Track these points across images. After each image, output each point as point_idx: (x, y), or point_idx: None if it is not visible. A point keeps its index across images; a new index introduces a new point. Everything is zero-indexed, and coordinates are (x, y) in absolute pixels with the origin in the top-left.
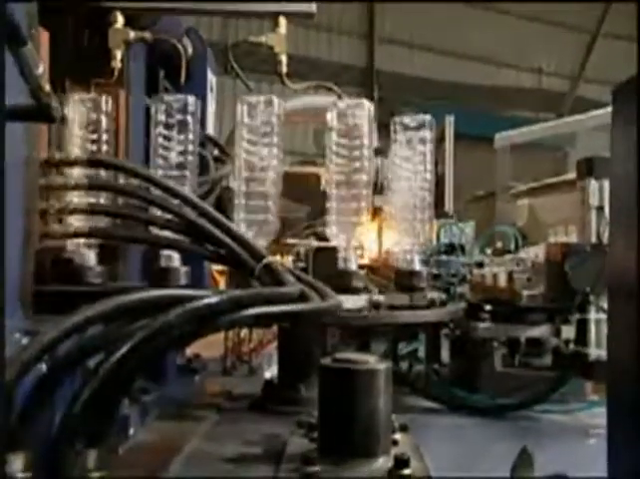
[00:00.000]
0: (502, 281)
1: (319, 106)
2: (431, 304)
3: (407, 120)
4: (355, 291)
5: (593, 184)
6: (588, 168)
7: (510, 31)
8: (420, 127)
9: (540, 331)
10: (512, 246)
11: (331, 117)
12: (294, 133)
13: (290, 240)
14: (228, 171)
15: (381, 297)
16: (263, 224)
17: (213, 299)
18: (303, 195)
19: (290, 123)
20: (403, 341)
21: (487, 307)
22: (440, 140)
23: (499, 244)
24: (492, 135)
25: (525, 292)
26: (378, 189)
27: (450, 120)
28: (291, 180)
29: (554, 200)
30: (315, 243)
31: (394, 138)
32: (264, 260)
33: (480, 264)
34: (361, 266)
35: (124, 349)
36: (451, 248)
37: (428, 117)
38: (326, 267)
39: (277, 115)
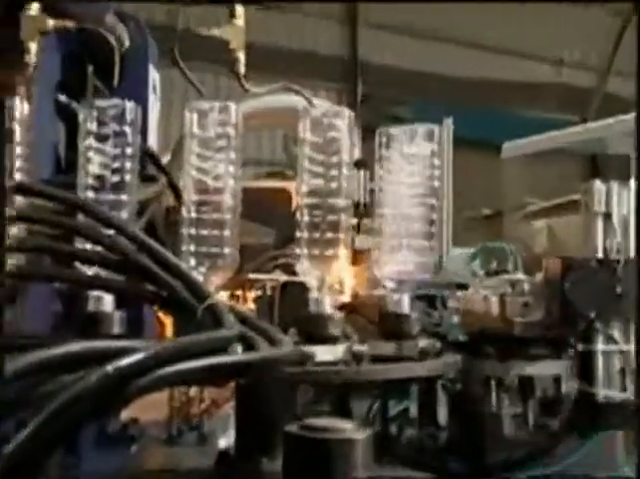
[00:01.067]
0: (494, 307)
1: (287, 107)
2: (423, 355)
3: (396, 132)
4: (331, 340)
5: (598, 185)
6: (592, 167)
7: (526, 14)
8: (413, 139)
9: (544, 368)
10: (510, 267)
11: (303, 127)
12: (260, 137)
13: (252, 275)
14: (158, 190)
15: (363, 347)
16: (218, 257)
17: (134, 359)
18: (269, 215)
19: (253, 128)
20: (390, 399)
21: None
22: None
23: (494, 265)
24: (502, 139)
25: (519, 320)
26: (361, 209)
27: (447, 123)
28: (254, 196)
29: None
30: (282, 278)
31: (379, 154)
32: (208, 301)
33: (462, 286)
34: (340, 306)
35: (32, 427)
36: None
37: (424, 127)
38: (295, 308)
39: (234, 124)
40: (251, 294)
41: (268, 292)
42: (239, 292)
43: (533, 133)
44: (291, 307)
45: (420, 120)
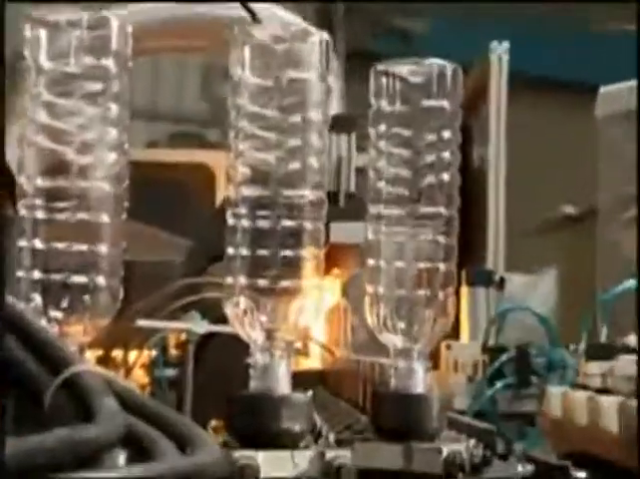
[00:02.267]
0: (610, 421)
1: (210, 19)
2: (452, 470)
3: (404, 70)
4: (289, 440)
5: None
6: None
7: None
8: (428, 82)
9: None
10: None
11: (238, 58)
12: (160, 71)
13: (142, 322)
14: None
15: (344, 454)
16: (83, 292)
17: None
18: (176, 213)
19: (148, 54)
20: None
21: (580, 475)
22: (474, 95)
23: (604, 331)
24: (593, 81)
25: None
26: (340, 204)
27: (500, 50)
28: (152, 180)
29: None
30: (200, 328)
31: (375, 106)
32: (67, 372)
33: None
34: (303, 374)
35: None
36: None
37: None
38: (224, 382)
39: (116, 50)
40: (142, 357)
41: (173, 353)
42: (119, 353)
43: None
44: (216, 380)
45: (444, 40)
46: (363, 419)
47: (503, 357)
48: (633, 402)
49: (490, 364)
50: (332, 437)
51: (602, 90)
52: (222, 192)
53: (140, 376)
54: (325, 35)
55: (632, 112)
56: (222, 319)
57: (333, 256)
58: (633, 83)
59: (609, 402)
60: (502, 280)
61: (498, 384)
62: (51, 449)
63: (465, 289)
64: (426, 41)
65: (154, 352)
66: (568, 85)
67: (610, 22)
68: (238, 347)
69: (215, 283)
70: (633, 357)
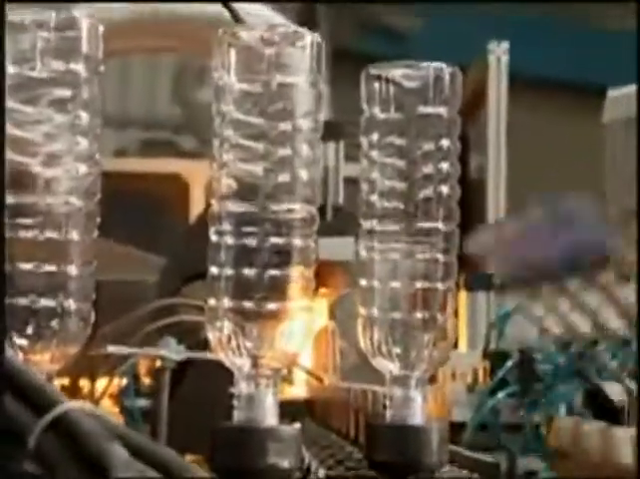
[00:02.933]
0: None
1: (184, 18)
2: None
3: (398, 74)
4: (275, 477)
5: None
6: None
7: None
8: (424, 86)
9: None
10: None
11: (223, 60)
12: (129, 75)
13: (111, 349)
14: None
15: None
16: (50, 317)
17: None
18: (149, 228)
19: (119, 54)
20: None
21: None
22: (472, 100)
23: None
24: (601, 81)
25: None
26: (328, 218)
27: (499, 49)
28: (120, 191)
29: None
30: (176, 355)
31: (367, 113)
32: (54, 411)
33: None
34: (288, 403)
35: None
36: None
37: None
38: (203, 414)
39: (87, 55)
40: (111, 386)
41: (145, 381)
42: (84, 381)
43: None
44: (193, 411)
45: (438, 40)
46: (355, 453)
47: (509, 364)
48: None
49: (492, 371)
50: (322, 473)
51: (610, 94)
52: (197, 205)
53: (108, 407)
54: (317, 37)
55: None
56: (200, 345)
57: (319, 275)
58: None
59: (623, 435)
60: (503, 285)
61: (500, 394)
62: None
63: (463, 295)
64: (417, 41)
65: (123, 381)
66: (572, 87)
67: (613, 20)
68: (218, 375)
69: (192, 305)
70: None
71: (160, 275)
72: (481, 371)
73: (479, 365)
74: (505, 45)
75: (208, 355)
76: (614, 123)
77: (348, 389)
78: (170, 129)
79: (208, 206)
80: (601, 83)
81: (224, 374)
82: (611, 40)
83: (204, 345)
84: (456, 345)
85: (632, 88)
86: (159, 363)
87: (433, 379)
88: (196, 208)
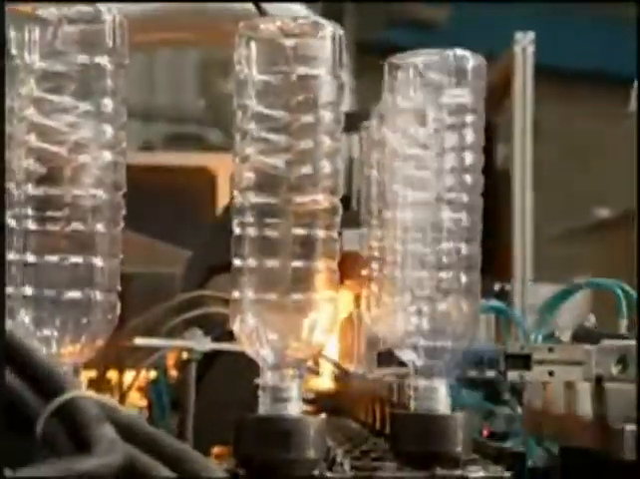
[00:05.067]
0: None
1: (212, 12)
2: None
3: (418, 60)
4: (301, 468)
5: None
6: None
7: None
8: (448, 75)
9: None
10: (625, 323)
11: (244, 53)
12: (155, 69)
13: (139, 341)
14: None
15: None
16: (76, 308)
17: None
18: (174, 220)
19: (144, 48)
20: None
21: None
22: (498, 90)
23: (592, 320)
24: (628, 73)
25: (628, 427)
26: (352, 210)
27: (525, 40)
28: (146, 185)
29: None
30: (203, 346)
31: (390, 102)
32: (61, 397)
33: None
34: (313, 400)
35: None
36: None
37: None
38: (229, 405)
39: (112, 48)
40: (139, 378)
41: (172, 373)
42: (113, 374)
43: None
44: (220, 403)
45: (465, 31)
46: (380, 443)
47: None
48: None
49: None
50: (348, 464)
51: (637, 83)
52: (224, 198)
53: (136, 399)
54: (337, 28)
55: None
56: (227, 337)
57: (344, 266)
58: None
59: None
60: (503, 290)
61: None
62: None
63: None
64: (445, 32)
65: (151, 373)
66: (600, 78)
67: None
68: (244, 367)
69: (219, 298)
70: None
71: (185, 268)
72: None
73: None
74: (531, 35)
75: (234, 347)
76: None
77: (373, 380)
78: (196, 122)
79: (233, 199)
80: (627, 73)
81: (249, 366)
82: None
83: (231, 337)
84: None
85: None
86: (185, 355)
87: None
88: (223, 201)
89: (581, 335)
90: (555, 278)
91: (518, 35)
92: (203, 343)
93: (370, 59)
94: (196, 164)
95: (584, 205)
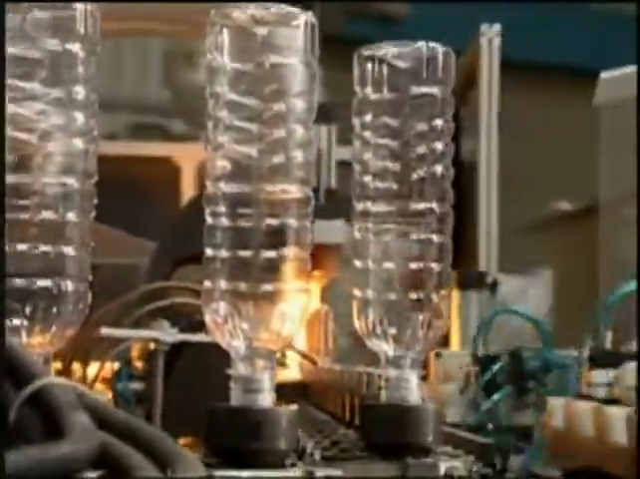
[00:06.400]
0: (618, 433)
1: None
2: None
3: (391, 55)
4: (274, 459)
5: None
6: None
7: None
8: (417, 66)
9: None
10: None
11: (216, 41)
12: (120, 58)
13: (106, 331)
14: None
15: (335, 472)
16: (45, 299)
17: None
18: (138, 211)
19: (110, 36)
20: None
21: None
22: (464, 83)
23: (609, 336)
24: (595, 65)
25: None
26: (320, 198)
27: (490, 34)
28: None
29: None
30: (170, 337)
31: (360, 94)
32: (33, 385)
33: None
34: (283, 386)
35: None
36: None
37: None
38: (198, 396)
39: (84, 34)
40: (103, 370)
41: (137, 365)
42: (77, 365)
43: None
44: (186, 394)
45: (428, 23)
46: (350, 434)
47: (495, 367)
48: None
49: (482, 374)
50: (318, 455)
51: (603, 75)
52: (189, 188)
53: (101, 391)
54: (311, 17)
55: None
56: (193, 328)
57: (312, 258)
58: (635, 68)
59: (617, 414)
60: (495, 283)
61: (495, 396)
62: (17, 468)
63: (455, 293)
64: (407, 25)
65: (115, 365)
66: (566, 71)
67: (602, 4)
68: (211, 358)
69: (183, 289)
70: None
71: (151, 259)
72: (473, 373)
73: (470, 366)
74: (497, 27)
75: (202, 338)
76: (608, 104)
77: (342, 372)
78: (160, 112)
79: (199, 190)
80: (592, 67)
81: (215, 357)
82: (601, 23)
83: (198, 328)
84: (447, 345)
85: (625, 70)
86: (152, 346)
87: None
88: (188, 191)
89: (598, 358)
90: (519, 271)
91: (484, 27)
92: (171, 334)
93: (333, 52)
94: (160, 154)
95: (547, 198)
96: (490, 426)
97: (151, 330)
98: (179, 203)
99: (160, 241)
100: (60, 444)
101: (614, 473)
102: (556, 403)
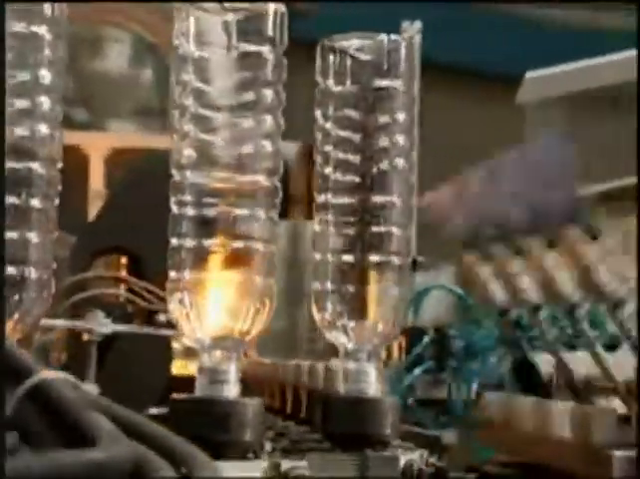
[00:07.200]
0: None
1: None
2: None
3: (352, 46)
4: (237, 450)
5: None
6: None
7: None
8: (379, 59)
9: None
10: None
11: (183, 28)
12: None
13: (46, 322)
14: None
15: (301, 465)
16: (12, 288)
17: None
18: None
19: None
20: None
21: None
22: None
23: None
24: (519, 67)
25: (617, 453)
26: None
27: (411, 32)
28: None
29: None
30: (104, 328)
31: (321, 85)
32: (33, 379)
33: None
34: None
35: None
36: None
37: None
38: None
39: (51, 18)
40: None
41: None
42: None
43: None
44: (118, 387)
45: (343, 20)
46: (292, 426)
47: (425, 340)
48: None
49: (410, 347)
50: (268, 446)
51: (528, 75)
52: (97, 178)
53: None
54: (281, 6)
55: (562, 99)
56: (126, 318)
57: None
58: (561, 68)
59: (560, 408)
60: (415, 262)
61: (417, 371)
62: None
63: None
64: (323, 21)
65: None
66: (487, 74)
67: (526, 8)
68: (141, 349)
69: (104, 279)
70: None
71: (70, 251)
72: (396, 347)
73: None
74: (418, 24)
75: (134, 329)
76: (533, 104)
77: (274, 364)
78: (63, 101)
79: (126, 180)
80: (514, 70)
81: (147, 348)
82: (521, 28)
83: (130, 318)
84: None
85: (549, 70)
86: (86, 337)
87: None
88: (96, 180)
89: None
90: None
91: (405, 24)
92: (105, 325)
93: None
94: (67, 143)
95: None
96: (411, 401)
97: (84, 321)
98: (88, 192)
99: (80, 233)
100: (92, 450)
101: (558, 468)
102: (493, 398)
